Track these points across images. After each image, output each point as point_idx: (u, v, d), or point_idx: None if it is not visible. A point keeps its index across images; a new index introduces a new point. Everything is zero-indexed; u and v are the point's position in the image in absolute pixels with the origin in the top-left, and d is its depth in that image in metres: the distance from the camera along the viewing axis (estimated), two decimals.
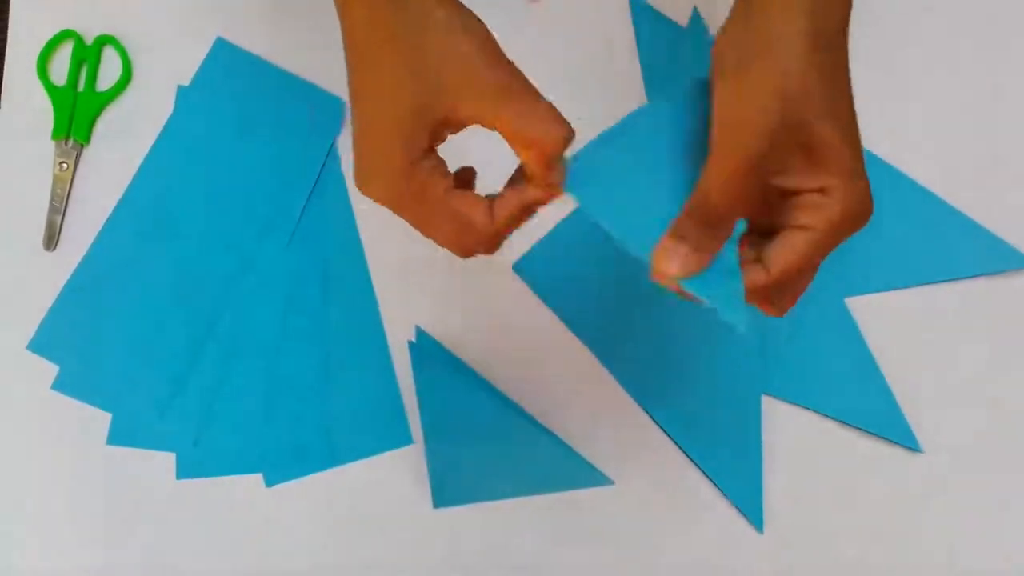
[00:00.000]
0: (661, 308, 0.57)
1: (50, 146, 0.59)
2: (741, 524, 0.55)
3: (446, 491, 0.55)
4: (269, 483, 0.56)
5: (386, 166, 0.39)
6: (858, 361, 0.57)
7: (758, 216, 0.40)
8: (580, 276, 0.57)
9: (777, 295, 0.41)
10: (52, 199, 0.58)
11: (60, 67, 0.60)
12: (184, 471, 0.56)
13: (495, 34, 0.39)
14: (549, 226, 0.58)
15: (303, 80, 0.60)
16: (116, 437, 0.56)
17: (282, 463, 0.56)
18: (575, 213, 0.58)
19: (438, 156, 0.40)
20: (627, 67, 0.61)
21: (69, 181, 0.59)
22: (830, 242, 0.39)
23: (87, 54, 0.60)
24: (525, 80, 0.39)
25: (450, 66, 0.38)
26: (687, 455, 0.56)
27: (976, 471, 0.56)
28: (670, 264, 0.39)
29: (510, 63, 0.39)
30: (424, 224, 0.40)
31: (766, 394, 0.56)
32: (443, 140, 0.40)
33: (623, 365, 0.57)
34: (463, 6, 0.39)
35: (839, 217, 0.38)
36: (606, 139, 0.46)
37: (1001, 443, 0.56)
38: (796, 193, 0.39)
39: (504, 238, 0.41)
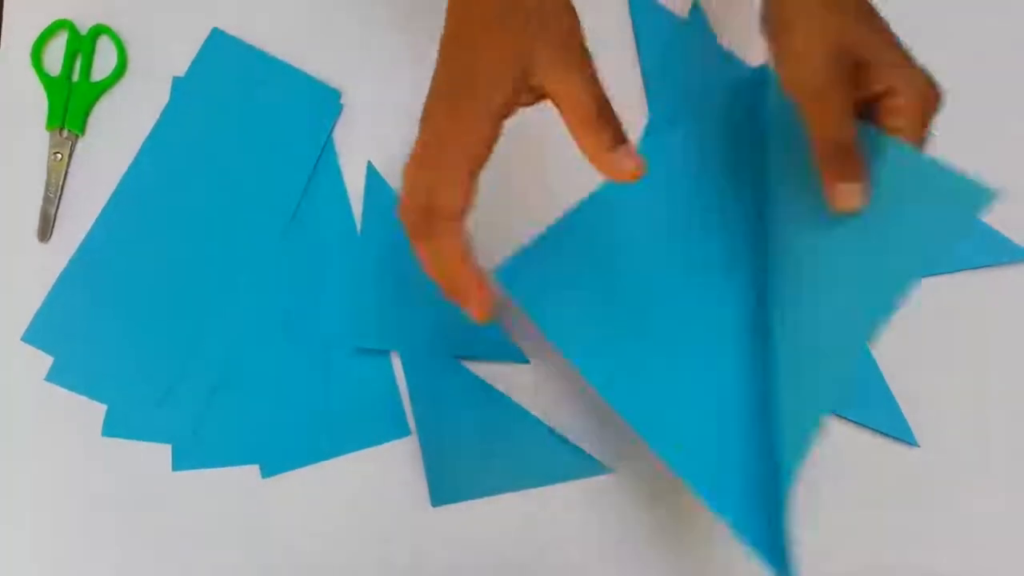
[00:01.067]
0: (646, 320, 0.52)
1: (44, 136, 0.59)
2: None
3: (444, 490, 0.55)
4: (266, 474, 0.55)
5: (485, 106, 0.42)
6: None
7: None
8: (565, 285, 0.51)
9: None
10: (46, 190, 0.58)
11: (55, 57, 0.60)
12: (180, 462, 0.55)
13: None
14: (534, 232, 0.56)
15: (299, 71, 0.60)
16: (111, 428, 0.56)
17: (279, 454, 0.55)
18: (561, 220, 0.55)
19: None
20: (625, 61, 0.61)
21: (63, 172, 0.58)
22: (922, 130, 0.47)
23: (82, 44, 0.60)
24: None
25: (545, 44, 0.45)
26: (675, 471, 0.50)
27: (973, 465, 0.56)
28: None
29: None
30: (469, 159, 0.42)
31: None
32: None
33: (607, 378, 0.51)
34: None
35: (917, 111, 0.46)
36: (541, 242, 0.50)
37: (998, 436, 0.56)
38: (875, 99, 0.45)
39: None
